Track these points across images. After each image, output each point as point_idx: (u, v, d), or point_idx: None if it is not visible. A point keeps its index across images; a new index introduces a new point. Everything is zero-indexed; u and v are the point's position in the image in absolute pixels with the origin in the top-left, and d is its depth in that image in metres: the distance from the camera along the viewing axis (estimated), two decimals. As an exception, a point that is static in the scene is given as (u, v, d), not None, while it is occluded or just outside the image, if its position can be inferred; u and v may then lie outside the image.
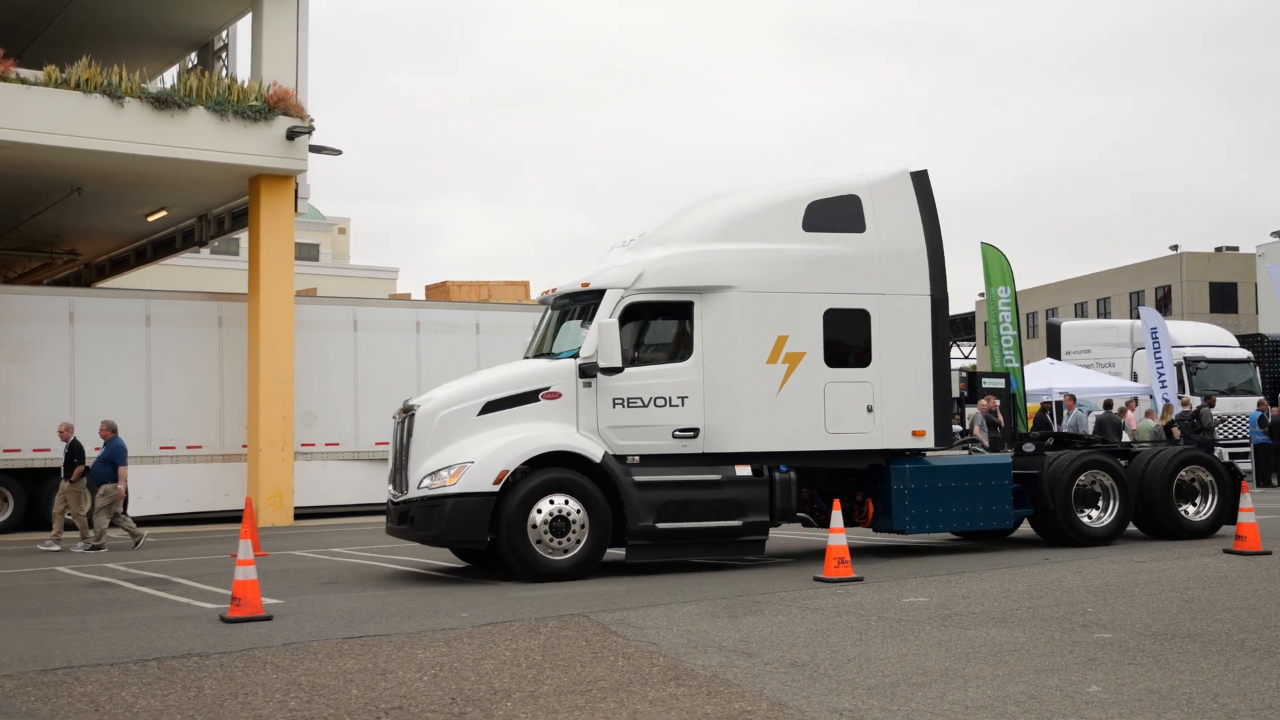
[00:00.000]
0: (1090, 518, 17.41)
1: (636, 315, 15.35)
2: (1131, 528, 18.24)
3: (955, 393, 34.28)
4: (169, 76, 30.61)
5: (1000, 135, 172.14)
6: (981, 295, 60.35)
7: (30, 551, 20.03)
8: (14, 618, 13.02)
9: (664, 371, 15.28)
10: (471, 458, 14.47)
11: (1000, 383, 27.07)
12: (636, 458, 15.05)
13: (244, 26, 28.66)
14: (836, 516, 14.44)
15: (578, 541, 14.74)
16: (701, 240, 15.69)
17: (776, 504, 15.57)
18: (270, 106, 24.77)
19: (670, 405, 15.17)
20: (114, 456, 19.81)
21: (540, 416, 14.86)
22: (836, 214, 16.04)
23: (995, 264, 26.99)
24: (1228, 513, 17.93)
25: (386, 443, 26.51)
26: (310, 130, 25.14)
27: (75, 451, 20.36)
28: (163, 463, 25.05)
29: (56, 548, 19.80)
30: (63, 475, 20.39)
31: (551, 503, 14.63)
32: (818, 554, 16.09)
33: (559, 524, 14.64)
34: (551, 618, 12.21)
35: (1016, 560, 16.30)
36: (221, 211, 29.03)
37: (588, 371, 14.86)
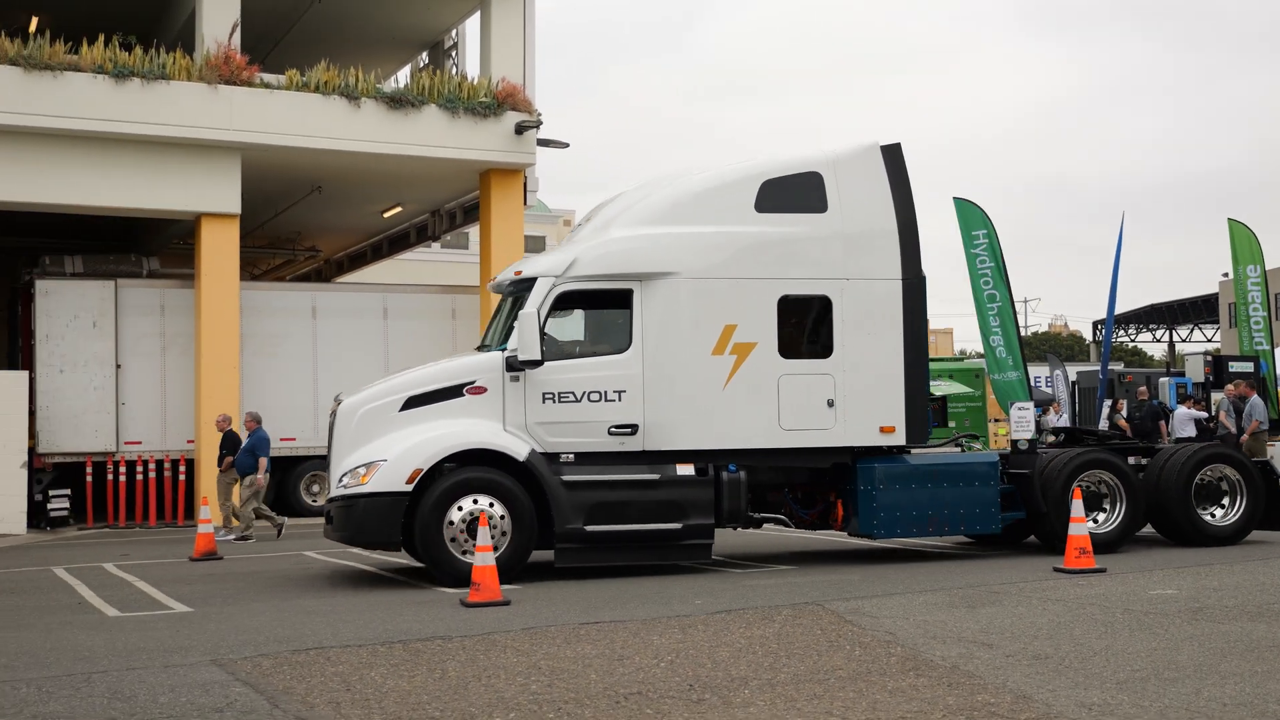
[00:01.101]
0: (1093, 521, 15.59)
1: (571, 304, 14.50)
2: (1149, 531, 16.82)
3: (1200, 377, 33.15)
4: (402, 76, 31.49)
5: (1247, 108, 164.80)
6: (1226, 275, 57.78)
7: (279, 537, 20.84)
8: (268, 599, 13.57)
9: (599, 364, 14.33)
10: (386, 456, 13.80)
11: (1249, 366, 25.92)
12: (571, 456, 14.11)
13: (473, 25, 29.30)
14: (1077, 505, 14.03)
15: (498, 544, 13.77)
16: (644, 224, 14.64)
17: (724, 505, 14.47)
18: (499, 102, 25.27)
19: (606, 400, 14.17)
20: (256, 448, 20.50)
21: (464, 412, 14.04)
22: (794, 193, 14.87)
23: (1244, 241, 25.83)
24: (1260, 515, 16.42)
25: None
26: (538, 124, 25.56)
27: (228, 443, 21.14)
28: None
29: (230, 537, 20.50)
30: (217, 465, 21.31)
31: (475, 502, 13.80)
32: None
33: (477, 525, 13.28)
34: (785, 606, 12.16)
35: (1270, 553, 15.60)
36: (453, 206, 29.75)
37: (514, 365, 13.96)
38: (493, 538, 13.44)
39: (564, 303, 14.33)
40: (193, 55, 24.17)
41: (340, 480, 14.05)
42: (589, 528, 14.02)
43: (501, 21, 26.50)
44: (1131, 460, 16.39)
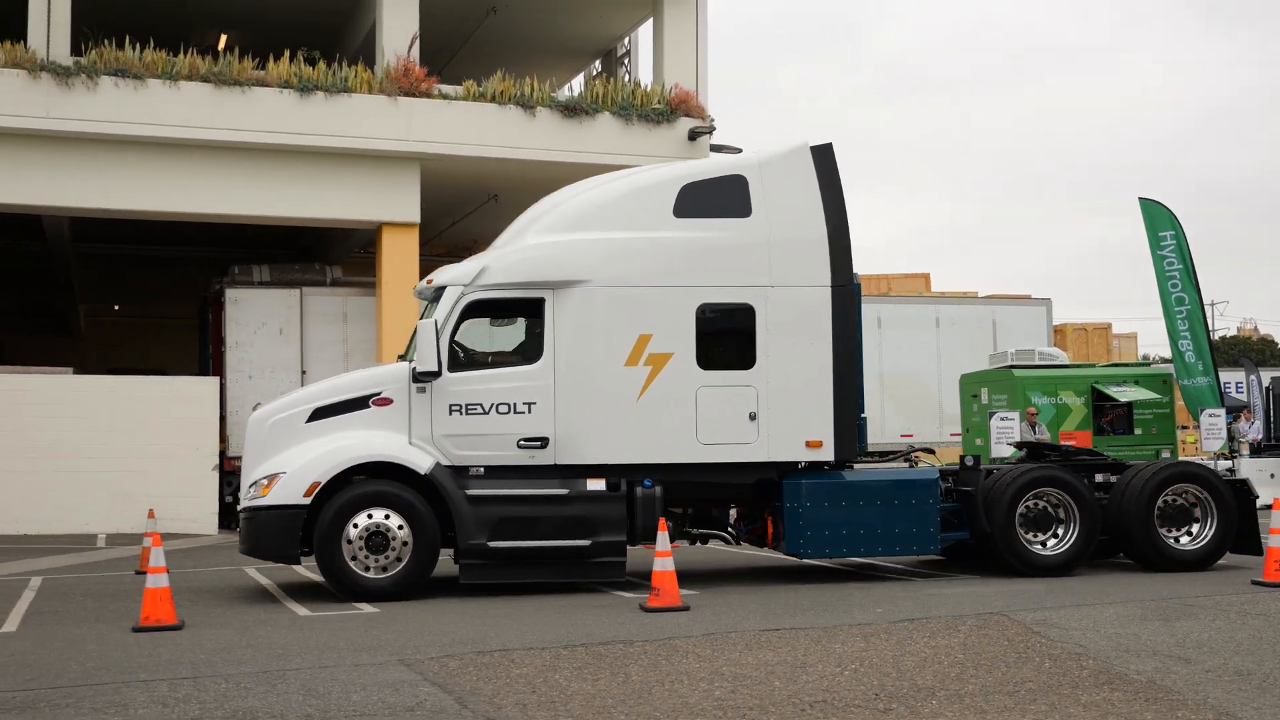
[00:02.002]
0: (1041, 544, 14.92)
1: (481, 313, 14.08)
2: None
3: (1261, 399, 31.57)
4: (575, 84, 31.81)
5: None
6: None
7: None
8: (453, 601, 13.77)
9: (509, 375, 13.83)
10: (286, 468, 13.51)
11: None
12: (481, 469, 13.73)
13: (645, 32, 29.46)
14: (1277, 516, 13.50)
15: (399, 559, 13.49)
16: (558, 230, 14.16)
17: (638, 522, 13.89)
18: (672, 109, 25.36)
19: (515, 412, 13.67)
20: None
21: (369, 424, 13.69)
22: (716, 197, 14.23)
23: None
24: (1231, 538, 15.37)
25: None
26: (711, 130, 25.58)
27: None
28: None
29: None
30: None
31: (370, 517, 13.44)
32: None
33: (376, 540, 13.38)
34: (969, 616, 11.93)
35: None
36: (627, 213, 29.87)
37: (420, 376, 13.60)
38: (391, 553, 13.45)
39: (473, 312, 13.90)
40: (373, 69, 24.74)
41: (247, 492, 13.84)
42: (492, 543, 13.58)
43: (674, 28, 26.60)
44: (1100, 478, 15.58)
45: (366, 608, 13.37)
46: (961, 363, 27.88)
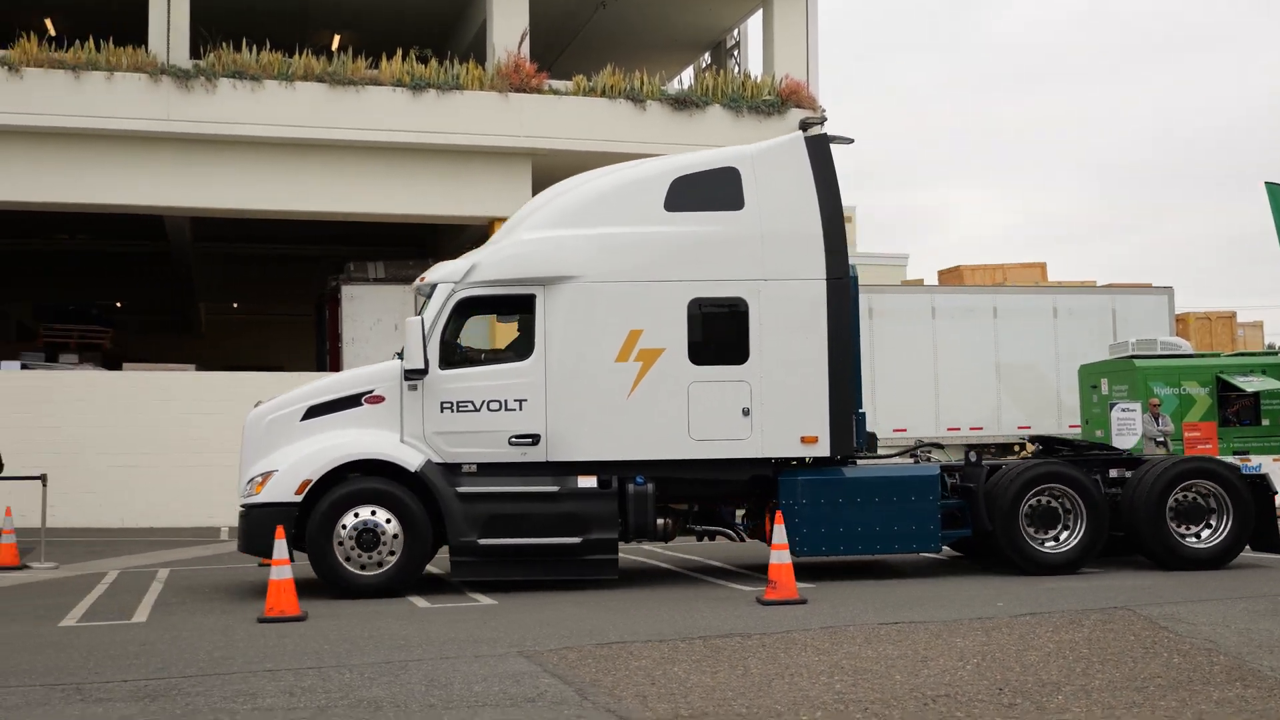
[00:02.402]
0: (1047, 541, 14.58)
1: (473, 310, 14.03)
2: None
3: None
4: (685, 77, 31.78)
5: None
6: None
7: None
8: (570, 594, 13.84)
9: (498, 372, 13.79)
10: (279, 466, 13.57)
11: None
12: (474, 467, 13.70)
13: (755, 23, 29.34)
14: None
15: (390, 555, 13.52)
16: (550, 226, 14.09)
17: (630, 519, 13.79)
18: (783, 100, 25.24)
19: (506, 409, 13.62)
20: None
21: (362, 422, 13.73)
22: (708, 190, 14.06)
23: None
24: (1248, 536, 14.84)
25: (903, 429, 26.65)
26: (822, 121, 25.41)
27: None
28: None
29: None
30: None
31: (360, 515, 13.48)
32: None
33: (367, 537, 13.42)
34: (1093, 610, 11.73)
35: None
36: (738, 205, 29.80)
37: (408, 374, 13.61)
38: (383, 550, 13.47)
39: (465, 309, 13.87)
40: (484, 65, 24.93)
41: (243, 489, 13.92)
42: (483, 541, 13.52)
43: (784, 19, 26.46)
44: (1115, 473, 15.15)
45: (484, 599, 13.49)
46: (1080, 353, 27.41)
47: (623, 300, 13.74)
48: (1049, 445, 16.38)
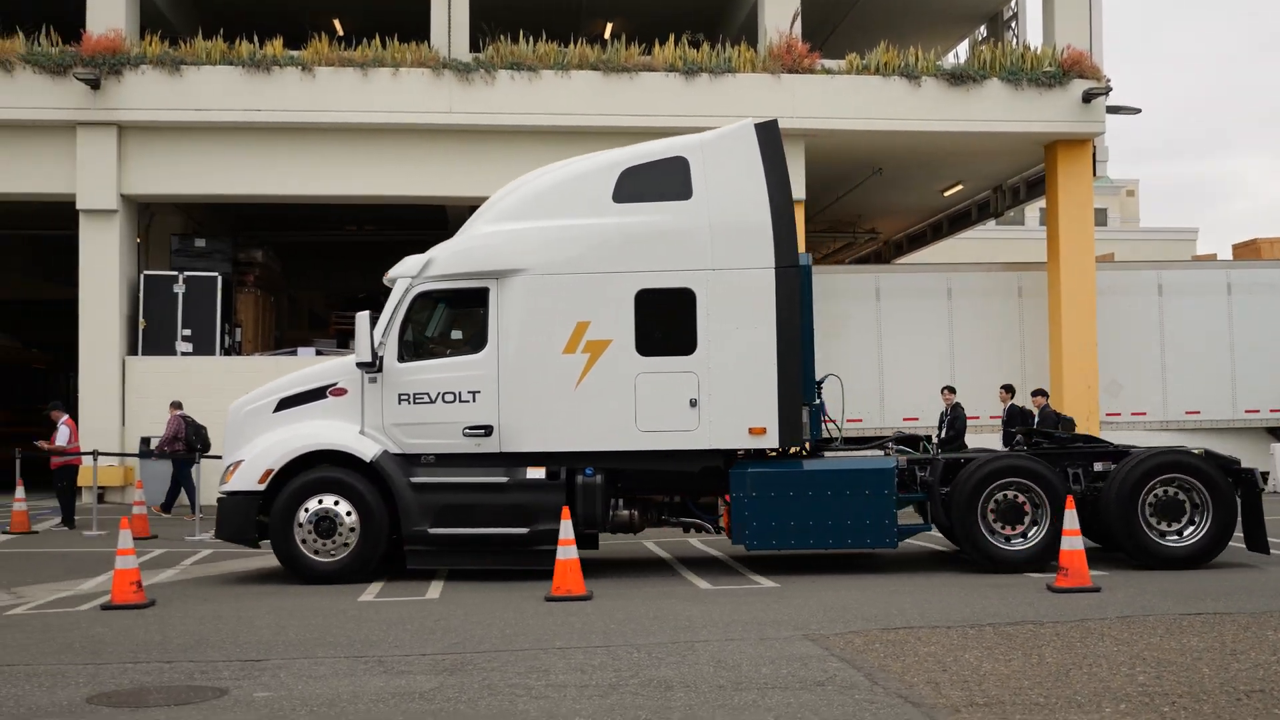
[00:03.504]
0: (1014, 539, 13.75)
1: (431, 305, 14.09)
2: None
3: None
4: (960, 51, 31.05)
5: None
6: None
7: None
8: (852, 578, 13.68)
9: (452, 365, 13.86)
10: (246, 456, 13.87)
11: None
12: (432, 458, 13.73)
13: (1032, -7, 28.43)
14: None
15: (346, 543, 13.63)
16: (504, 219, 14.04)
17: (578, 510, 13.52)
18: (1064, 71, 24.36)
19: (460, 401, 13.66)
20: None
21: (326, 414, 13.93)
22: (656, 181, 13.77)
23: None
24: (1229, 535, 13.78)
25: (1196, 411, 25.47)
26: (1107, 91, 24.45)
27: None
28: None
29: None
30: None
31: (319, 502, 13.64)
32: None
33: (325, 525, 13.60)
34: None
35: None
36: (1016, 181, 29.03)
37: (359, 366, 13.73)
38: (339, 538, 13.63)
39: (423, 303, 14.02)
40: (756, 47, 24.84)
41: (220, 478, 14.27)
42: (433, 530, 13.60)
43: (1064, -13, 25.55)
44: (1099, 466, 14.20)
45: (766, 581, 13.45)
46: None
47: (570, 292, 13.75)
48: (1032, 435, 15.81)
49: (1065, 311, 24.86)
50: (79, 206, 23.41)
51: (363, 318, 13.64)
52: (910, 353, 25.33)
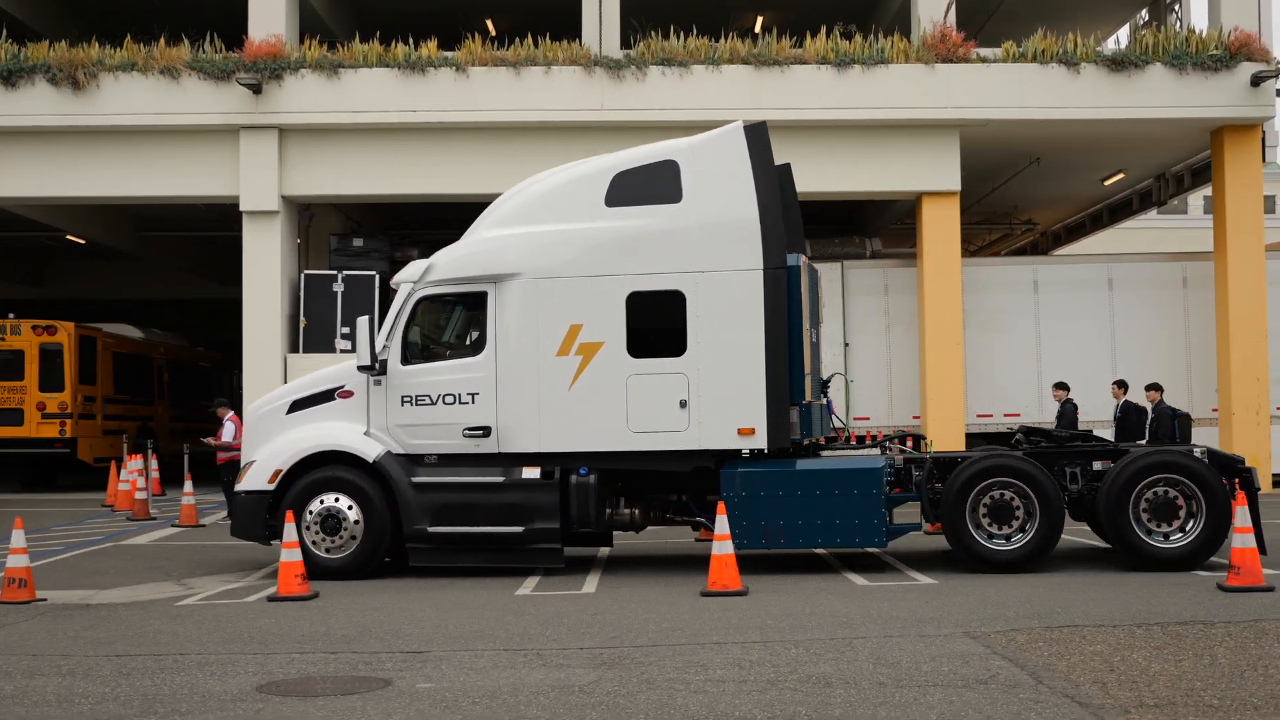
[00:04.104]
0: (996, 538, 13.54)
1: (433, 309, 14.48)
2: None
3: None
4: (1120, 37, 30.26)
5: None
6: None
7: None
8: (1020, 574, 13.43)
9: (452, 367, 14.15)
10: (259, 456, 14.30)
11: None
12: (435, 457, 14.01)
13: (1196, -25, 27.60)
14: None
15: (352, 539, 13.95)
16: (502, 224, 14.34)
17: (572, 510, 13.71)
18: (1231, 53, 23.54)
19: (460, 403, 13.96)
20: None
21: (335, 415, 14.31)
22: (647, 185, 13.87)
23: None
24: (1223, 536, 13.27)
25: None
26: (1277, 74, 23.56)
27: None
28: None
29: None
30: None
31: (324, 501, 14.00)
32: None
33: (330, 522, 13.95)
34: None
35: None
36: (1180, 169, 28.18)
37: (360, 369, 14.08)
38: (344, 535, 13.94)
39: (425, 307, 14.36)
40: (909, 37, 24.50)
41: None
42: (432, 529, 13.85)
43: (1231, -34, 24.72)
44: (1099, 465, 13.90)
45: (924, 578, 13.28)
46: None
47: (564, 295, 13.94)
48: (1031, 435, 15.57)
49: (1233, 302, 24.06)
50: (242, 208, 24.01)
51: (363, 322, 14.04)
52: (1070, 346, 24.77)
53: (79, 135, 23.87)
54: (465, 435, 13.96)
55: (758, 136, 13.91)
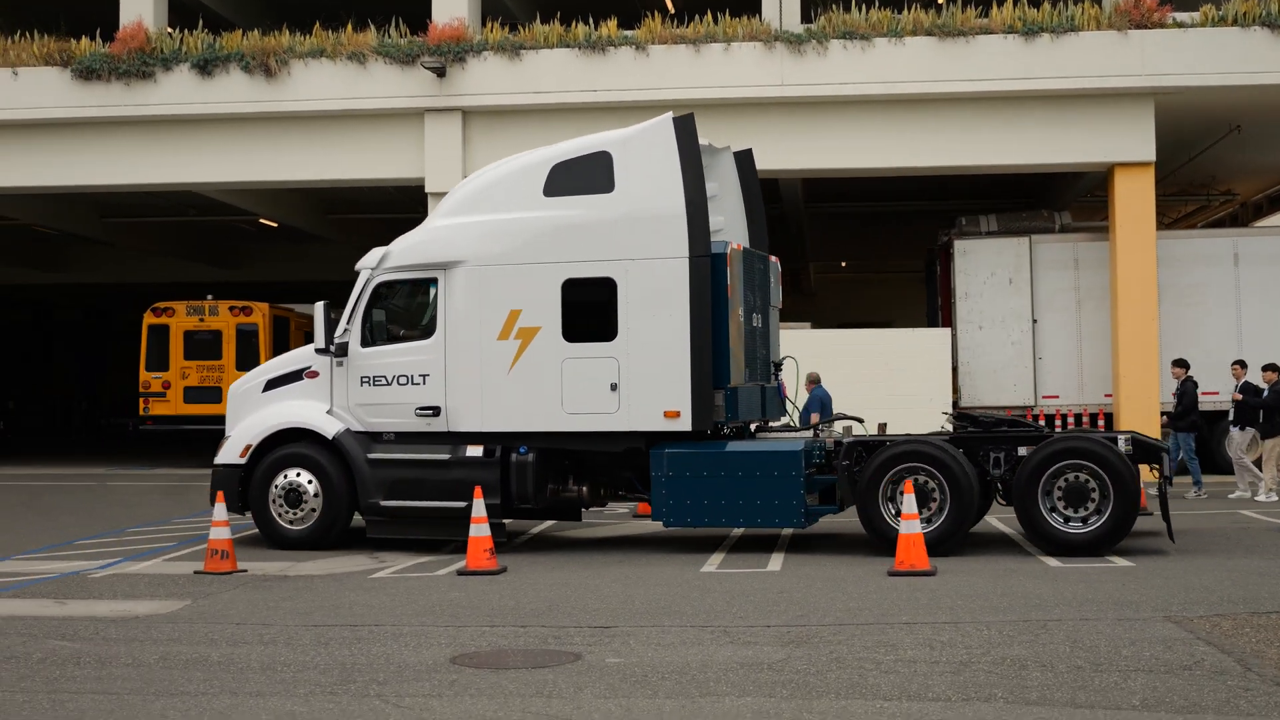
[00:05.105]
0: (925, 523, 13.31)
1: (389, 294, 15.10)
2: None
3: None
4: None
5: None
6: None
7: (1219, 496, 19.92)
8: (1211, 557, 12.98)
9: (406, 350, 14.81)
10: (234, 431, 15.21)
11: None
12: (392, 435, 14.69)
13: None
14: None
15: (312, 511, 14.69)
16: (451, 214, 14.99)
17: (512, 487, 14.21)
18: None
19: (412, 383, 14.64)
20: (809, 407, 19.29)
21: (304, 394, 15.10)
22: (582, 175, 14.36)
23: None
24: (1130, 522, 13.33)
25: None
26: None
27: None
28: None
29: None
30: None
31: (288, 476, 14.78)
32: None
33: (293, 495, 14.75)
34: None
35: None
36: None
37: (318, 352, 14.92)
38: (305, 507, 14.70)
39: (382, 293, 14.96)
40: (1100, 3, 23.74)
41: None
42: (385, 503, 14.43)
43: None
44: (1024, 451, 13.77)
45: (1120, 561, 12.89)
46: None
47: (504, 282, 14.48)
48: (962, 420, 15.45)
49: None
50: (427, 190, 24.40)
51: (319, 307, 14.92)
52: (1272, 322, 23.80)
53: (271, 121, 24.55)
54: (417, 414, 14.63)
55: (686, 129, 14.21)
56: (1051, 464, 13.49)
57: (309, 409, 15.07)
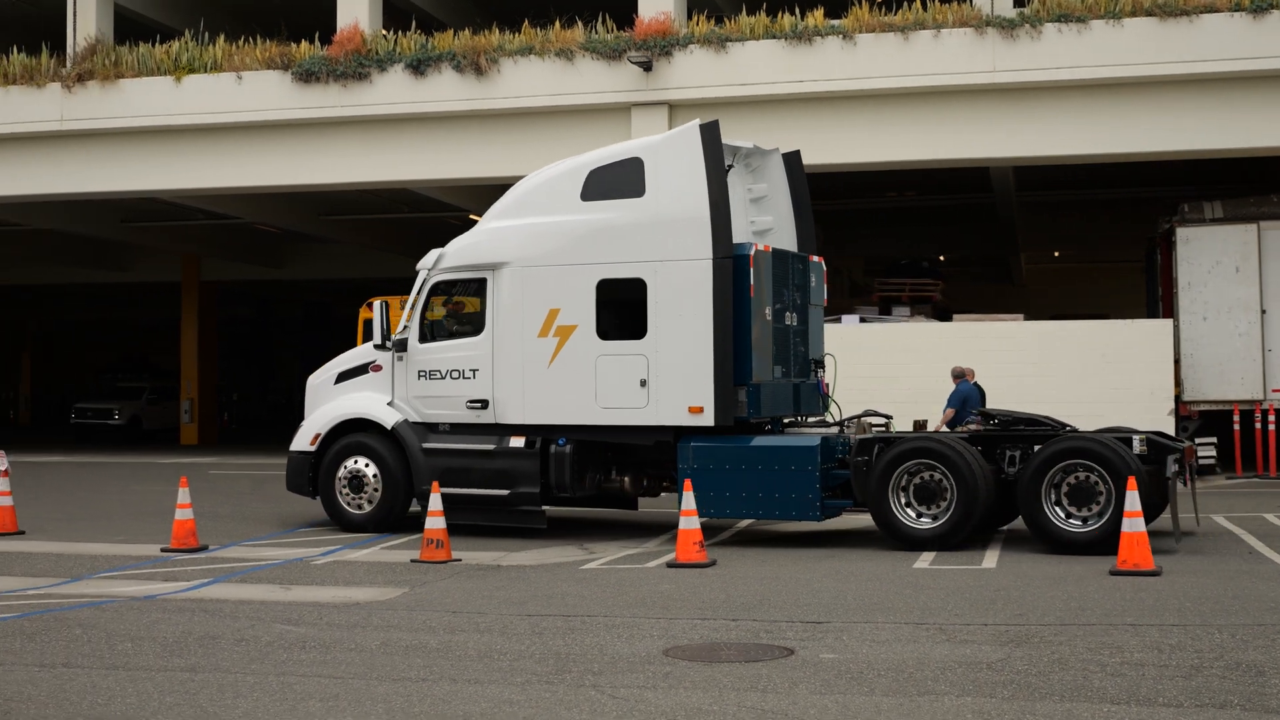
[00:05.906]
0: (923, 518, 13.76)
1: (444, 293, 16.01)
2: None
3: None
4: None
5: None
6: None
7: None
8: None
9: (458, 345, 15.65)
10: (307, 421, 16.35)
11: None
12: (447, 425, 15.53)
13: None
14: None
15: (374, 495, 15.74)
16: (499, 217, 15.76)
17: (550, 477, 14.97)
18: None
19: (464, 378, 15.47)
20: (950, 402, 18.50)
21: (369, 387, 16.09)
22: (616, 180, 14.97)
23: None
24: None
25: None
26: None
27: None
28: None
29: None
30: None
31: (354, 463, 15.84)
32: None
33: (356, 482, 15.80)
34: None
35: None
36: None
37: (377, 348, 15.89)
38: (367, 493, 15.77)
39: (437, 292, 15.91)
40: (1334, -23, 22.60)
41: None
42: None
43: None
44: (1039, 449, 13.73)
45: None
46: None
47: (545, 282, 15.19)
48: (986, 418, 15.47)
49: None
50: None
51: (378, 305, 15.95)
52: None
53: (481, 119, 25.01)
54: (468, 407, 15.46)
55: (711, 136, 14.67)
56: (1056, 463, 13.52)
57: (372, 401, 16.08)
